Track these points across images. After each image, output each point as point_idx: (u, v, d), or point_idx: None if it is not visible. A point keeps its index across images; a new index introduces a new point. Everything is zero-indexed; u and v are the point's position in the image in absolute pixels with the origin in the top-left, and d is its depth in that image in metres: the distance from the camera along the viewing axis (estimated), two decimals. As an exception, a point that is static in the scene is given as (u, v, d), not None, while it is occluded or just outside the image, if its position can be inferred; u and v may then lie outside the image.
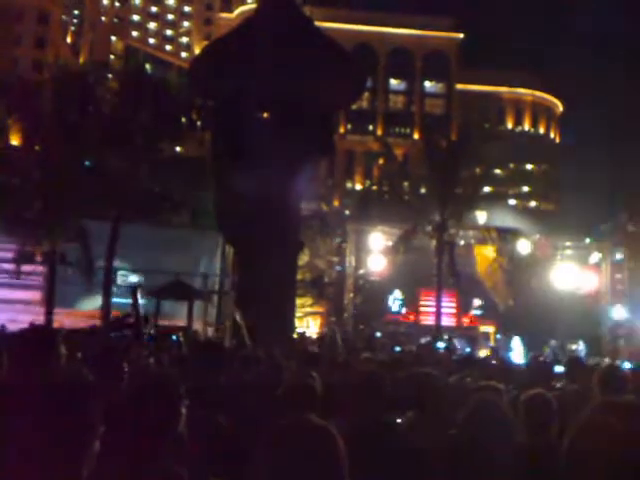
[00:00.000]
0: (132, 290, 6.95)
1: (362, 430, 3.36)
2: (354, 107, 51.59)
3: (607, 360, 22.43)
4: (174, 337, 13.88)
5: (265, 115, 17.58)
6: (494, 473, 2.54)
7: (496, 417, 2.64)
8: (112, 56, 67.70)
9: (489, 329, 28.24)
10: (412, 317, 28.92)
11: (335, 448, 2.12)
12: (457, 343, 25.31)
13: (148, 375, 4.53)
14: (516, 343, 25.61)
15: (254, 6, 45.94)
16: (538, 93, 71.64)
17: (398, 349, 16.12)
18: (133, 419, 2.93)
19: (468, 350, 22.66)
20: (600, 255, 28.69)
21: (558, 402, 3.64)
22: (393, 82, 68.53)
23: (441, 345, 22.76)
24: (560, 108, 74.09)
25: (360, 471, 2.42)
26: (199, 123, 21.47)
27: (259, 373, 5.81)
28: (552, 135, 73.19)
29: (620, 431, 2.29)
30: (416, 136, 64.20)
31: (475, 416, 2.67)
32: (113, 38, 73.59)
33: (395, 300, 28.90)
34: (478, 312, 28.97)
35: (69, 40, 66.18)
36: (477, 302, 28.78)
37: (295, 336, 20.56)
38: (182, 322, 18.25)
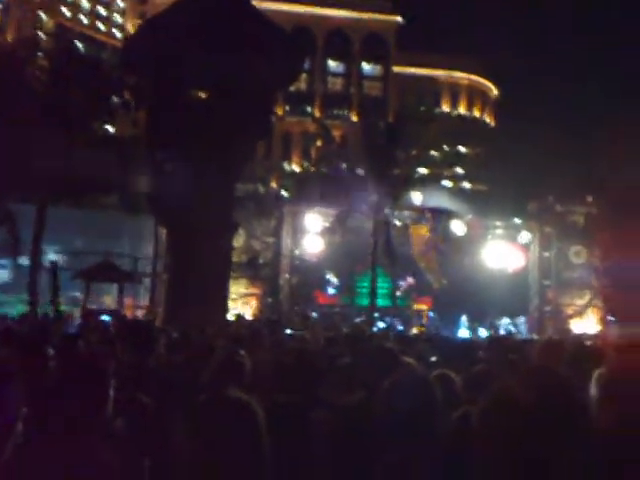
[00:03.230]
0: (52, 267, 6.74)
1: (287, 407, 3.36)
2: (292, 88, 51.22)
3: (534, 335, 23.29)
4: (104, 317, 13.64)
5: (201, 95, 17.30)
6: (409, 443, 2.56)
7: (418, 389, 2.65)
8: (42, 34, 64.95)
9: (422, 307, 28.79)
10: (348, 297, 29.20)
11: (254, 422, 2.10)
12: (392, 322, 25.81)
13: (76, 355, 4.41)
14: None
15: (188, -18, 44.86)
16: (474, 77, 72.81)
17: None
18: (60, 401, 2.86)
19: (401, 328, 23.11)
20: (529, 234, 29.56)
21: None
22: (331, 64, 68.40)
23: (381, 325, 23.14)
24: (495, 92, 75.57)
25: (283, 446, 2.41)
26: (132, 103, 20.91)
27: (189, 353, 5.74)
28: (487, 119, 74.67)
29: (529, 402, 2.35)
30: (354, 118, 64.39)
31: (395, 388, 2.68)
32: (43, 16, 70.58)
33: (330, 283, 29.09)
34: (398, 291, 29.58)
35: (-6, 16, 63.06)
36: (409, 280, 29.31)
37: (232, 317, 20.49)
38: (112, 304, 17.91)
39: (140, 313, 20.28)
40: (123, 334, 6.17)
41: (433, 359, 5.86)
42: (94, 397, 2.92)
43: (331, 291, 29.26)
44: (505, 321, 27.36)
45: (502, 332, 24.69)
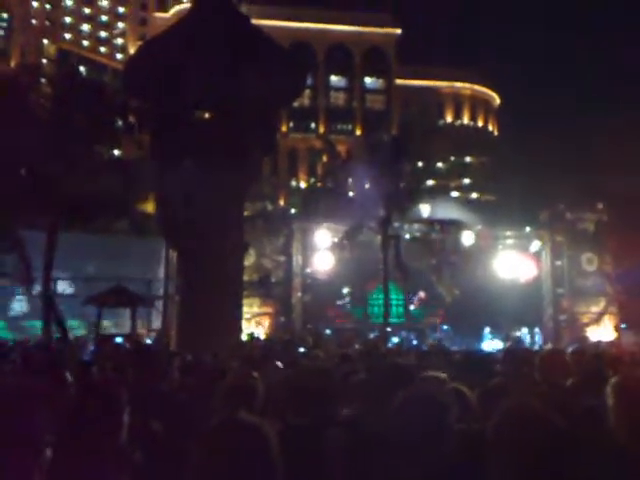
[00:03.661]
0: (47, 298, 6.75)
1: (301, 428, 3.33)
2: (295, 105, 51.53)
3: (550, 345, 23.10)
4: (119, 339, 13.67)
5: (205, 115, 17.39)
6: (421, 461, 2.53)
7: (429, 407, 2.63)
8: (44, 60, 65.81)
9: (436, 321, 28.58)
10: (361, 313, 29.07)
11: (266, 446, 2.08)
12: (406, 336, 25.68)
13: (90, 382, 4.41)
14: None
15: (189, 5, 45.41)
16: (476, 87, 73.05)
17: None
18: (75, 428, 2.86)
19: (415, 342, 22.99)
20: (540, 243, 29.40)
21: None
22: (333, 79, 68.81)
23: (395, 340, 23.03)
24: (497, 101, 75.73)
25: (296, 468, 2.38)
26: (136, 125, 21.03)
27: (201, 377, 5.73)
28: (490, 127, 74.75)
29: (544, 415, 2.33)
30: (358, 132, 64.61)
31: (406, 407, 2.65)
32: (45, 41, 71.54)
33: (343, 299, 28.97)
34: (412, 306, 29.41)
35: (-2, 44, 63.95)
36: (421, 294, 29.18)
37: (246, 337, 20.46)
38: (126, 329, 17.91)
39: (152, 336, 20.23)
40: (135, 360, 6.16)
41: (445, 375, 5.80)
42: (108, 424, 2.93)
43: (344, 307, 29.17)
44: (521, 332, 27.15)
45: (517, 343, 24.46)
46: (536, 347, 22.35)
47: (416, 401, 2.65)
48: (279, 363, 7.03)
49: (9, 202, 19.23)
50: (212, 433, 2.15)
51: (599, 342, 22.51)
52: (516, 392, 3.35)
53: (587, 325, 28.31)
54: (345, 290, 28.87)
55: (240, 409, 3.75)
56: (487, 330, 26.60)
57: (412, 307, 29.28)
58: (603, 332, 27.34)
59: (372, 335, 24.84)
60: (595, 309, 28.56)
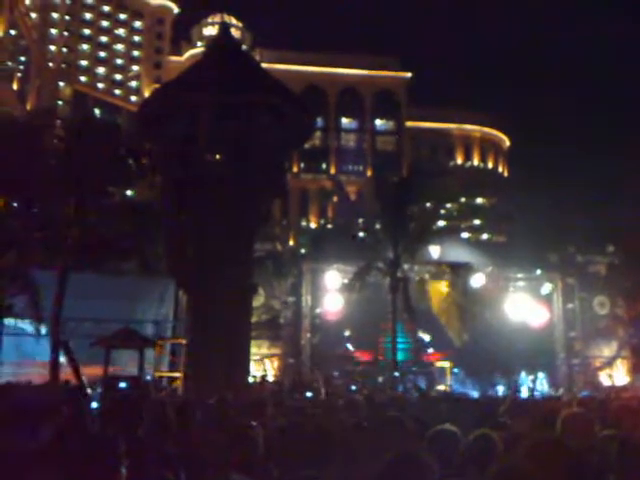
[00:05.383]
0: (64, 344, 6.74)
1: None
2: (307, 146, 52.13)
3: (562, 390, 22.72)
4: (123, 384, 13.59)
5: (217, 157, 17.59)
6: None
7: (413, 470, 2.59)
8: (60, 102, 67.11)
9: (445, 364, 28.15)
10: (369, 355, 28.70)
11: None
12: (414, 380, 25.28)
13: (89, 436, 4.38)
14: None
15: (203, 49, 46.41)
16: (486, 129, 73.63)
17: (354, 388, 16.03)
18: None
19: (423, 387, 22.61)
20: (551, 285, 29.16)
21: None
22: (344, 121, 69.65)
23: (401, 388, 22.61)
24: (507, 143, 76.20)
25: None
26: (149, 167, 21.25)
27: (204, 429, 5.66)
28: (500, 169, 75.05)
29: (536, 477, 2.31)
30: (369, 173, 65.05)
31: (390, 471, 2.62)
32: (61, 83, 73.02)
33: (351, 341, 28.61)
34: (430, 349, 29.02)
35: (15, 86, 65.30)
36: (427, 337, 28.83)
37: (252, 380, 20.28)
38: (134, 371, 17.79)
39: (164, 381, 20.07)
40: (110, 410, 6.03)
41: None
42: (105, 476, 2.92)
43: (352, 349, 28.83)
44: (530, 377, 26.65)
45: (526, 389, 23.94)
46: (544, 392, 21.88)
47: (397, 464, 2.61)
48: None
49: (20, 242, 19.41)
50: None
51: (612, 387, 22.13)
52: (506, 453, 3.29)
53: (600, 369, 27.89)
54: (353, 332, 28.59)
55: (244, 461, 3.73)
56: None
57: (430, 350, 28.82)
58: (616, 376, 26.92)
59: (380, 379, 24.54)
60: (608, 352, 28.17)
